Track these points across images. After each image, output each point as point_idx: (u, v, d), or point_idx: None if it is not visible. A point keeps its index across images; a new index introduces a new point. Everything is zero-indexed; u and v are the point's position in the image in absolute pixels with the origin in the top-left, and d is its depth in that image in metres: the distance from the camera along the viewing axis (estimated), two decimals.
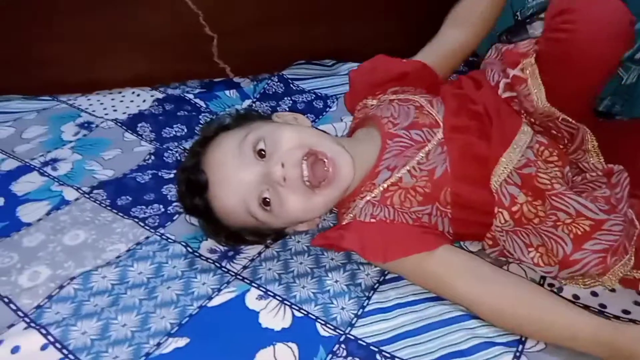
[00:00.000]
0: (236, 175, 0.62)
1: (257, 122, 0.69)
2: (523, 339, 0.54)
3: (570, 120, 0.60)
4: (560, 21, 0.56)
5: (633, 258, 0.55)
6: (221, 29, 1.12)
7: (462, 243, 0.67)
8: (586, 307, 0.57)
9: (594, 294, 0.59)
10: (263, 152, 0.62)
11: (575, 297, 0.59)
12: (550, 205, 0.57)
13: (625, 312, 0.57)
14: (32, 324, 0.60)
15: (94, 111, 1.03)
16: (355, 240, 0.60)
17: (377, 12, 1.19)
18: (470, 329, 0.55)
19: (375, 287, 0.63)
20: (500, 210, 0.59)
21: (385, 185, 0.62)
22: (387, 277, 0.64)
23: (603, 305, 0.58)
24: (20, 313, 0.61)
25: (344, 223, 0.64)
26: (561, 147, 0.62)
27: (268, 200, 0.61)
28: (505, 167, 0.60)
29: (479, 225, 0.62)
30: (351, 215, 0.64)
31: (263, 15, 1.13)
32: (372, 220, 0.61)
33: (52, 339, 0.58)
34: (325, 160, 0.61)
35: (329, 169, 0.60)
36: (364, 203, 0.63)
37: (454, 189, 0.60)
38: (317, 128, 0.75)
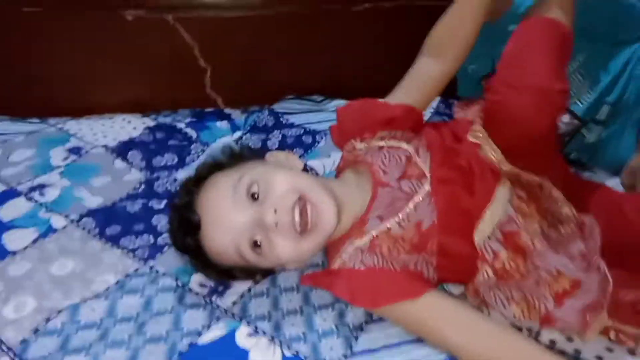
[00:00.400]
0: (229, 218, 0.63)
1: (250, 162, 0.71)
2: None
3: (533, 178, 0.65)
4: (491, 100, 0.66)
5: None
6: (215, 61, 1.14)
7: (444, 285, 0.70)
8: (562, 353, 0.60)
9: (570, 339, 0.62)
10: (256, 196, 0.64)
11: (552, 342, 0.62)
12: (532, 264, 0.60)
13: (599, 357, 0.60)
14: (17, 359, 0.59)
15: (83, 136, 1.03)
16: (344, 288, 0.62)
17: (367, 47, 1.24)
18: None
19: (363, 327, 0.64)
20: (483, 266, 0.62)
21: (374, 234, 0.65)
22: (374, 317, 0.66)
23: (578, 351, 0.61)
24: (4, 347, 0.61)
25: (334, 267, 0.66)
26: (535, 196, 0.66)
27: (259, 243, 0.63)
28: (488, 224, 0.63)
29: (463, 273, 0.65)
30: (340, 260, 0.66)
31: (256, 50, 1.16)
32: (361, 267, 0.64)
33: None
34: (309, 207, 0.63)
35: (313, 217, 0.63)
36: (354, 249, 0.65)
37: (440, 240, 0.63)
38: (307, 169, 0.77)
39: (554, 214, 0.66)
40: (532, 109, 0.63)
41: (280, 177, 0.65)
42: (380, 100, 0.75)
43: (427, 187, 0.66)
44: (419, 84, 0.77)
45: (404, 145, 0.71)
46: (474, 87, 1.01)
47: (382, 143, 0.72)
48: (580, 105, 0.88)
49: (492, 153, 0.66)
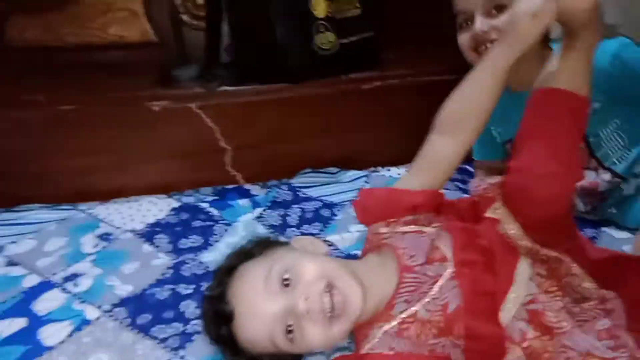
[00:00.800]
0: (263, 308, 0.65)
1: (278, 250, 0.74)
2: None
3: (552, 254, 0.67)
4: (510, 182, 0.69)
5: None
6: (235, 142, 1.21)
7: None
8: None
9: None
10: (287, 282, 0.66)
11: None
12: (560, 344, 0.61)
13: None
14: None
15: (112, 220, 1.08)
16: None
17: (379, 123, 1.30)
18: None
19: None
20: (511, 346, 0.63)
21: (402, 317, 0.67)
22: None
23: None
24: None
25: (362, 352, 0.67)
26: (554, 271, 0.68)
27: (292, 330, 0.65)
28: (512, 304, 0.64)
29: (491, 356, 0.66)
30: (369, 345, 0.67)
31: (274, 129, 1.23)
32: (390, 352, 0.65)
33: None
34: (336, 292, 0.65)
35: (340, 302, 0.65)
36: (382, 333, 0.67)
37: (466, 324, 0.64)
38: (332, 248, 0.79)
39: (576, 290, 0.67)
40: (549, 193, 0.66)
41: (309, 265, 0.68)
42: (403, 188, 0.78)
43: (450, 270, 0.68)
44: (432, 164, 0.77)
45: (427, 229, 0.74)
46: (494, 151, 1.03)
47: (406, 228, 0.75)
48: (619, 164, 0.91)
49: (511, 229, 0.68)
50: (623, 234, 0.95)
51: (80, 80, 1.19)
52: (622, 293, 0.66)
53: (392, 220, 0.77)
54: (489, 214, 0.70)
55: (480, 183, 0.76)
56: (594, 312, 0.65)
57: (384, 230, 0.77)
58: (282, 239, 0.82)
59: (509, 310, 0.64)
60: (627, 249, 0.88)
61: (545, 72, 0.81)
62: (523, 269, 0.67)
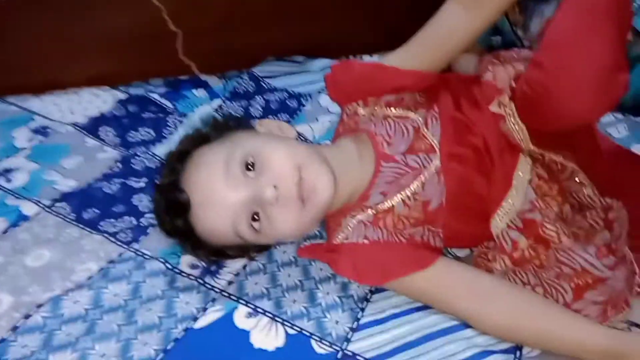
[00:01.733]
0: (224, 196, 0.58)
1: (240, 133, 0.65)
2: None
3: (557, 159, 0.60)
4: (533, 78, 0.53)
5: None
6: (186, 24, 1.06)
7: (449, 249, 0.67)
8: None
9: None
10: (251, 167, 0.58)
11: None
12: (555, 258, 0.56)
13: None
14: None
15: (49, 113, 0.95)
16: (348, 266, 0.58)
17: (346, 9, 1.17)
18: (467, 338, 0.55)
19: (368, 297, 0.61)
20: (501, 256, 0.58)
21: (377, 209, 0.61)
22: (378, 287, 0.62)
23: None
24: None
25: (335, 242, 0.62)
26: (555, 173, 0.61)
27: (257, 218, 0.58)
28: (507, 212, 0.59)
29: (470, 242, 0.62)
30: (342, 234, 0.62)
31: (230, 11, 1.08)
32: (365, 241, 0.60)
33: None
34: (306, 179, 0.58)
35: (310, 191, 0.58)
36: (356, 223, 0.62)
37: (447, 222, 0.60)
38: (300, 137, 0.70)
39: (576, 197, 0.61)
40: (584, 99, 0.50)
41: (279, 151, 0.60)
42: (391, 65, 0.64)
43: (436, 162, 0.61)
44: (438, 39, 0.65)
45: (412, 115, 0.65)
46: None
47: (387, 111, 0.66)
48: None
49: (517, 129, 0.59)
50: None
51: None
52: (628, 201, 0.60)
53: (371, 99, 0.67)
54: (493, 108, 0.59)
55: (491, 62, 0.63)
56: (593, 221, 0.59)
57: (362, 111, 0.68)
58: (243, 121, 0.72)
59: (502, 219, 0.59)
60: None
61: None
62: (523, 171, 0.60)
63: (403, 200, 0.61)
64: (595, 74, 0.50)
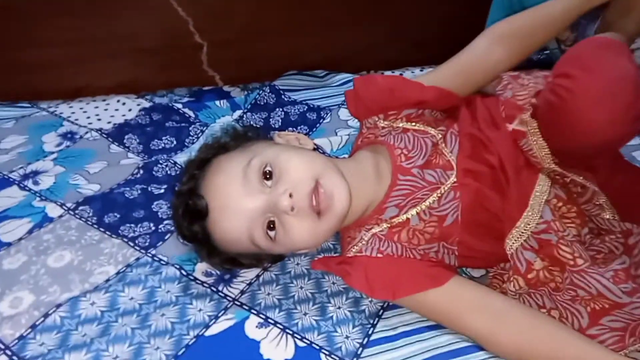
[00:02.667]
0: (241, 203, 0.59)
1: (259, 143, 0.66)
2: None
3: (578, 180, 0.58)
4: (558, 84, 0.51)
5: None
6: (211, 36, 1.09)
7: (464, 269, 0.66)
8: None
9: None
10: (268, 176, 0.59)
11: None
12: (571, 281, 0.55)
13: None
14: (15, 358, 0.56)
15: (76, 120, 0.99)
16: (361, 279, 0.58)
17: (368, 22, 1.18)
18: None
19: (380, 313, 0.61)
20: (515, 277, 0.57)
21: (392, 222, 0.61)
22: (390, 303, 0.62)
23: None
24: (1, 345, 0.57)
25: (349, 255, 0.62)
26: (575, 195, 0.60)
27: (273, 227, 0.59)
28: (522, 232, 0.58)
29: (485, 262, 0.61)
30: (356, 248, 0.62)
31: (254, 24, 1.11)
32: (379, 255, 0.60)
33: None
34: (322, 190, 0.58)
35: (326, 200, 0.58)
36: (370, 236, 0.62)
37: (462, 239, 0.59)
38: (318, 149, 0.71)
39: (594, 220, 0.60)
40: (606, 118, 0.48)
41: (296, 160, 0.60)
42: (414, 80, 0.67)
43: (452, 179, 0.61)
44: (469, 67, 0.68)
45: (431, 131, 0.65)
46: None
47: (407, 125, 0.66)
48: None
49: (538, 147, 0.58)
50: None
51: None
52: None
53: (392, 113, 0.68)
54: (514, 125, 0.59)
55: (510, 84, 0.62)
56: (612, 246, 0.58)
57: (381, 124, 0.68)
58: (262, 132, 0.73)
59: (517, 238, 0.58)
60: None
61: None
62: (541, 191, 0.59)
63: (418, 214, 0.60)
64: (622, 84, 0.49)
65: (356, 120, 0.73)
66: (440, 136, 0.65)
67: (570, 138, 0.53)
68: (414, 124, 0.67)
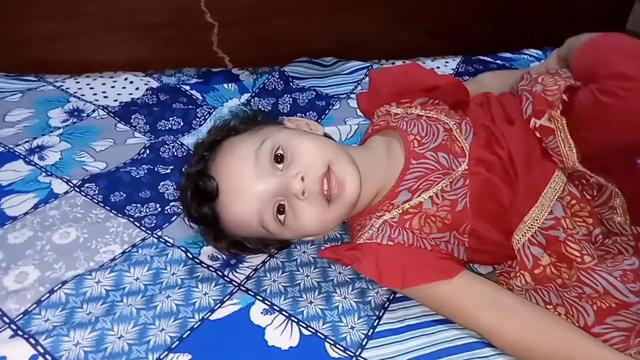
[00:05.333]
0: (252, 185, 0.59)
1: (269, 127, 0.66)
2: None
3: (601, 180, 0.58)
4: (615, 85, 0.52)
5: None
6: (222, 17, 1.07)
7: (472, 265, 0.66)
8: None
9: None
10: (280, 159, 0.59)
11: None
12: (578, 278, 0.55)
13: None
14: (20, 332, 0.56)
15: (83, 95, 0.98)
16: (372, 265, 0.58)
17: (381, 8, 1.16)
18: (485, 357, 0.54)
19: (386, 306, 0.61)
20: (522, 272, 0.57)
21: (405, 207, 0.60)
22: (397, 295, 0.62)
23: None
24: (5, 319, 0.57)
25: (359, 242, 0.62)
26: (588, 197, 0.60)
27: (283, 211, 0.59)
28: (530, 228, 0.58)
29: (496, 257, 0.61)
30: (367, 235, 0.62)
31: (266, 6, 1.09)
32: (390, 243, 0.59)
33: (41, 350, 0.54)
34: (333, 176, 0.58)
35: (337, 186, 0.58)
36: (381, 223, 0.61)
37: (473, 225, 0.59)
38: (329, 136, 0.71)
39: (605, 218, 0.60)
40: None
41: (308, 144, 0.60)
42: (428, 68, 0.70)
43: (464, 165, 0.61)
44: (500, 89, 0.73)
45: (444, 118, 0.65)
46: None
47: (420, 112, 0.67)
48: None
49: (565, 146, 0.58)
50: None
51: None
52: None
53: (405, 100, 0.69)
54: (543, 121, 0.58)
55: (540, 78, 0.61)
56: (622, 247, 0.58)
57: (396, 110, 0.69)
58: (272, 116, 0.73)
59: (524, 233, 0.58)
60: None
61: None
62: (554, 187, 0.59)
63: (431, 197, 0.60)
64: None
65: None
66: (453, 123, 0.65)
67: (624, 136, 0.55)
68: (427, 111, 0.67)
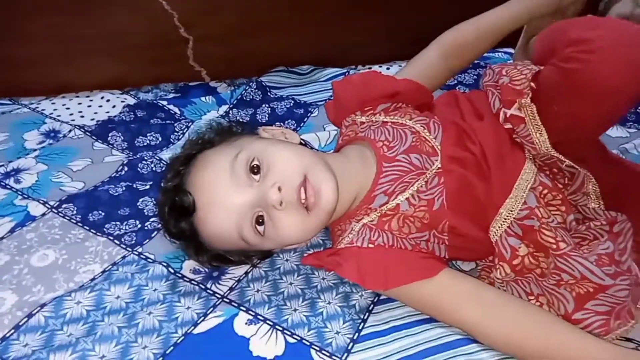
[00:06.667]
0: (228, 197, 0.58)
1: (244, 138, 0.66)
2: None
3: (574, 165, 0.59)
4: (575, 50, 0.52)
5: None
6: (197, 31, 1.07)
7: (455, 262, 0.66)
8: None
9: None
10: (256, 170, 0.59)
11: None
12: (555, 265, 0.55)
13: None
14: None
15: (59, 116, 0.97)
16: (353, 269, 0.57)
17: (358, 19, 1.17)
18: (470, 353, 0.54)
19: (370, 308, 0.61)
20: (501, 263, 0.57)
21: (383, 210, 0.61)
22: (381, 297, 0.62)
23: None
24: None
25: (340, 247, 0.62)
26: (560, 186, 0.61)
27: (262, 221, 0.59)
28: (505, 219, 0.58)
29: (476, 253, 0.62)
30: (348, 239, 0.61)
31: (242, 18, 1.09)
32: (370, 245, 0.59)
33: None
34: (309, 185, 0.58)
35: (313, 196, 0.58)
36: (361, 226, 0.61)
37: (451, 223, 0.59)
38: (305, 143, 0.71)
39: (579, 204, 0.61)
40: (620, 77, 0.50)
41: (284, 154, 0.60)
42: (385, 73, 0.70)
43: (437, 164, 0.62)
44: (420, 73, 0.74)
45: (409, 122, 0.66)
46: None
47: (385, 118, 0.67)
48: None
49: (537, 134, 0.58)
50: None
51: None
52: (632, 214, 0.58)
53: (368, 108, 0.69)
54: (513, 111, 0.58)
55: (504, 71, 0.61)
56: (596, 232, 0.59)
57: (360, 119, 0.69)
58: (247, 127, 0.73)
59: (500, 226, 0.58)
60: None
61: None
62: (526, 178, 0.59)
63: (407, 199, 0.60)
64: (633, 32, 0.53)
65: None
66: (419, 125, 0.65)
67: (595, 100, 0.53)
68: (391, 116, 0.68)
